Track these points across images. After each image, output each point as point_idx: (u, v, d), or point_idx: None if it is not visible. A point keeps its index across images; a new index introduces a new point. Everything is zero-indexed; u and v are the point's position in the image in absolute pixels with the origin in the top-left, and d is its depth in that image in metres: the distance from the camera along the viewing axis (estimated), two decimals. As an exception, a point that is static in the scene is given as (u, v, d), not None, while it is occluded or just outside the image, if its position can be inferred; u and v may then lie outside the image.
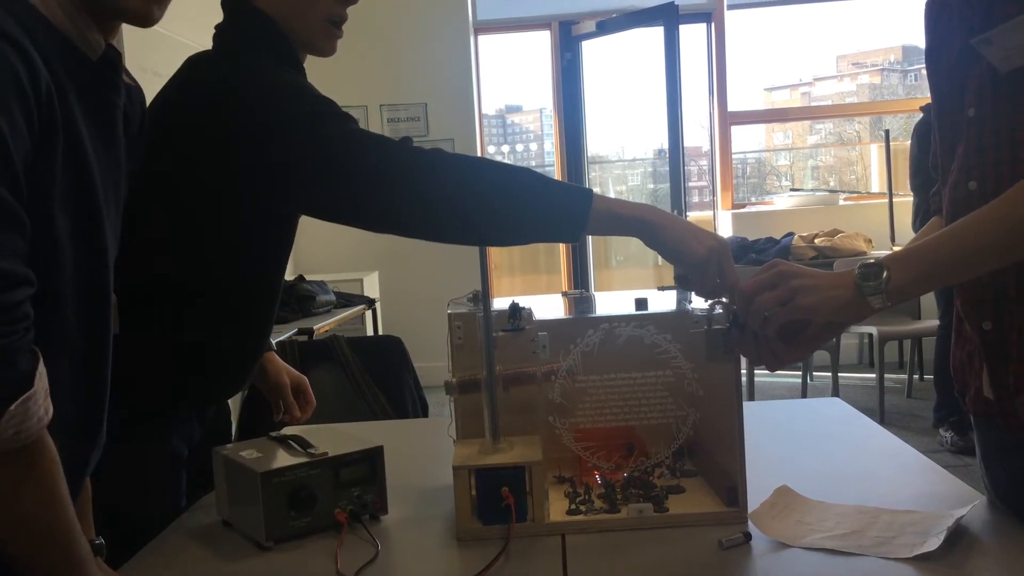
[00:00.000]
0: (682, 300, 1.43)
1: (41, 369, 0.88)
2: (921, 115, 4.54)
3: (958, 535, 1.17)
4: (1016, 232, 1.09)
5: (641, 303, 1.38)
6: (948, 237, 1.12)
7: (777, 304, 1.15)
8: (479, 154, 6.26)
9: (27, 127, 0.88)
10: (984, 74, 1.16)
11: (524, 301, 1.37)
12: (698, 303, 1.32)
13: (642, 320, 1.32)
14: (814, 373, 5.55)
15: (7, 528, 0.92)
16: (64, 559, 0.95)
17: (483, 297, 1.30)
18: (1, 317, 0.84)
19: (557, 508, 1.30)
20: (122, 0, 1.02)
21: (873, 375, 4.95)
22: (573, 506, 1.31)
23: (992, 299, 1.20)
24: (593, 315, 1.38)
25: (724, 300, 1.26)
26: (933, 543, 1.12)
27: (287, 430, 1.48)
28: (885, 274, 1.11)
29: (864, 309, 1.14)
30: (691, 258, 1.20)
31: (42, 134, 0.91)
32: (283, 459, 1.31)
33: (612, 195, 8.25)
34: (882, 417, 4.65)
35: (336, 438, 1.40)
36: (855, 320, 1.18)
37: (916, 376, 5.37)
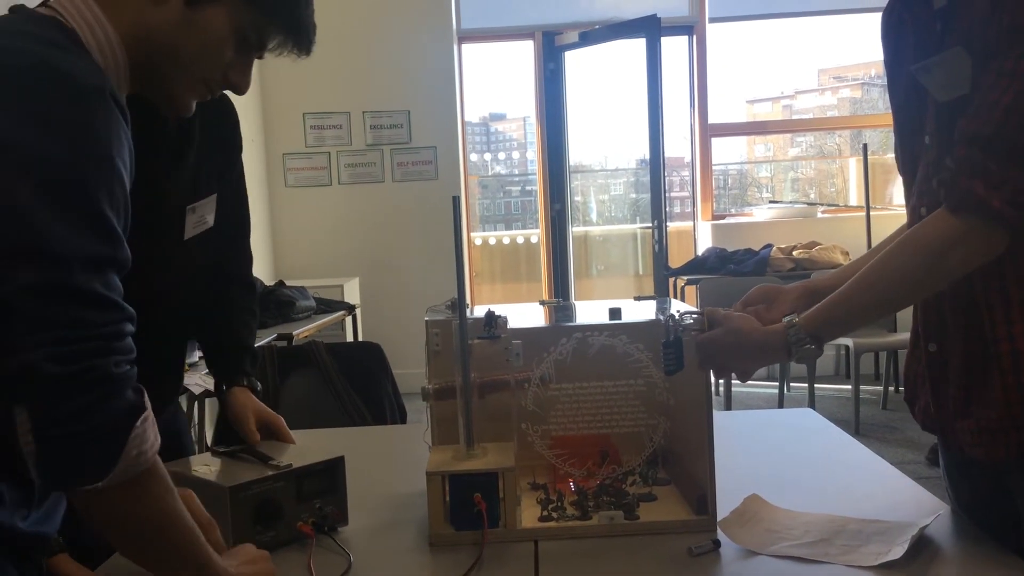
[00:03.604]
0: (656, 310, 1.44)
1: (147, 401, 0.93)
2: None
3: (922, 544, 1.19)
4: (902, 286, 1.17)
5: (615, 313, 1.39)
6: (854, 291, 1.19)
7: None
8: (460, 161, 6.27)
9: (127, 175, 0.96)
10: (935, 101, 1.18)
11: (502, 309, 1.38)
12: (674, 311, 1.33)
13: (615, 329, 1.34)
14: (791, 384, 5.58)
15: (139, 550, 1.01)
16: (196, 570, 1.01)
17: (459, 305, 1.32)
18: (120, 347, 0.90)
19: (530, 514, 1.32)
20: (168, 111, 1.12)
21: (849, 387, 4.98)
22: (545, 512, 1.32)
23: (936, 323, 1.23)
24: (566, 324, 1.39)
25: (696, 312, 1.28)
26: (897, 552, 1.15)
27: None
28: (813, 347, 1.19)
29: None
30: None
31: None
32: (247, 473, 1.30)
33: (594, 204, 8.28)
34: (857, 428, 4.68)
35: (287, 449, 1.39)
36: None
37: (891, 388, 5.41)
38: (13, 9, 1.03)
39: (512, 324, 1.36)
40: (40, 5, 1.03)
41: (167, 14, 1.03)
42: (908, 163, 1.26)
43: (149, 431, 0.92)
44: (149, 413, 0.92)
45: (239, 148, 1.64)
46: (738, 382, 5.51)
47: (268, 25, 1.10)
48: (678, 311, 1.30)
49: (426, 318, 1.41)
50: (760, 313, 1.29)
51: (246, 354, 1.69)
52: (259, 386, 1.68)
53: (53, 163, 0.88)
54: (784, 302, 1.32)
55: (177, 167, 1.45)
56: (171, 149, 1.43)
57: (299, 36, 1.13)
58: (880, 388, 5.39)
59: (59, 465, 0.88)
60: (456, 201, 1.36)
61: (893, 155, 1.34)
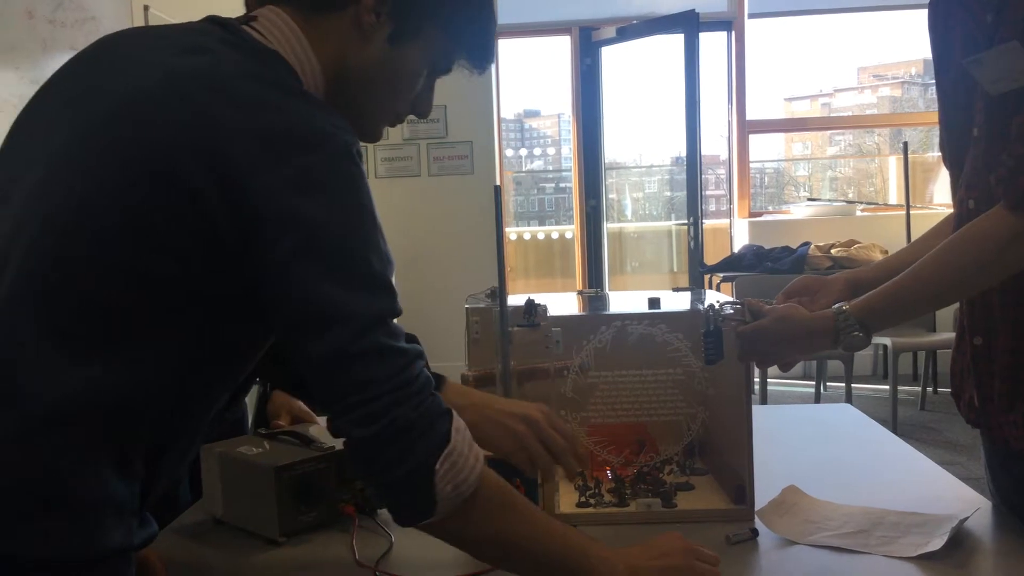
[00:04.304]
0: (696, 301, 1.45)
1: (458, 424, 0.95)
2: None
3: (961, 537, 1.18)
4: (956, 281, 1.16)
5: (654, 302, 1.40)
6: (907, 282, 1.18)
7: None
8: (496, 156, 6.28)
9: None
10: (985, 94, 1.17)
11: (540, 298, 1.39)
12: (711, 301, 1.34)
13: (654, 319, 1.35)
14: (827, 383, 5.53)
15: (503, 567, 1.03)
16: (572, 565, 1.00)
17: (499, 293, 1.33)
18: (413, 390, 0.92)
19: (567, 500, 1.33)
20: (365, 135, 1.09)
21: (887, 386, 4.93)
22: (583, 499, 1.33)
23: (982, 316, 1.22)
24: (606, 312, 1.40)
25: (736, 302, 1.29)
26: (937, 543, 1.14)
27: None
28: (861, 334, 1.17)
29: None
30: None
31: None
32: (292, 454, 1.32)
33: (629, 201, 8.26)
34: (894, 428, 4.63)
35: (325, 432, 1.41)
36: None
37: (930, 389, 5.35)
38: (220, 23, 0.98)
39: (551, 313, 1.37)
40: (244, 20, 1.00)
41: (370, 51, 1.02)
42: (955, 155, 1.26)
43: (460, 462, 0.93)
44: (454, 446, 0.93)
45: None
46: (773, 379, 5.48)
47: (459, 52, 1.10)
48: (717, 301, 1.31)
49: (466, 306, 1.43)
50: (803, 304, 1.29)
51: None
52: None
53: (325, 227, 0.88)
54: (827, 294, 1.32)
55: None
56: None
57: (484, 59, 1.13)
58: (919, 388, 5.33)
59: (398, 509, 0.96)
60: (497, 190, 1.38)
61: (934, 154, 1.34)
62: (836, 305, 1.20)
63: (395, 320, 0.93)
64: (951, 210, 1.33)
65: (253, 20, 1.00)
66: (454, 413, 0.95)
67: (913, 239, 5.57)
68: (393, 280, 0.94)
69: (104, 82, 0.93)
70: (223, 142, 0.86)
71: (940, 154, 1.33)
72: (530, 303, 1.36)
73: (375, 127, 1.10)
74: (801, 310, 1.24)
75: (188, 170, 0.86)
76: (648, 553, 1.05)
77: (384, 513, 1.35)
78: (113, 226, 0.87)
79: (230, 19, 1.00)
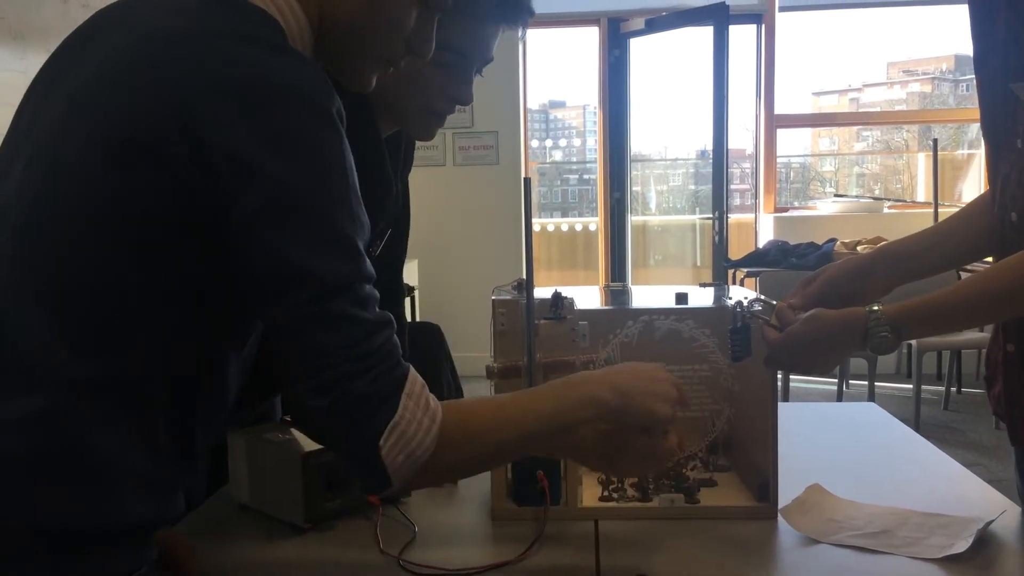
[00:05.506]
0: (722, 296, 1.44)
1: (411, 389, 0.92)
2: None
3: (987, 539, 1.18)
4: (1008, 304, 1.15)
5: (681, 297, 1.40)
6: (952, 296, 1.16)
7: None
8: (522, 147, 6.27)
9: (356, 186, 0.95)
10: None
11: (566, 291, 1.39)
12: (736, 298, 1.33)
13: (681, 314, 1.34)
14: (850, 381, 5.51)
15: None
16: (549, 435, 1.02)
17: (527, 285, 1.33)
18: (371, 362, 0.89)
19: (590, 494, 1.33)
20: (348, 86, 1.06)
21: (910, 386, 4.90)
22: (606, 493, 1.33)
23: (1016, 326, 1.21)
24: (633, 307, 1.40)
25: (762, 298, 1.28)
26: (962, 545, 1.14)
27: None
28: (890, 336, 1.15)
29: None
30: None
31: None
32: None
33: (654, 194, 8.23)
34: (917, 427, 4.61)
35: None
36: None
37: (954, 389, 5.31)
38: None
39: (577, 306, 1.37)
40: None
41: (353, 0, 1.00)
42: (995, 146, 1.24)
43: (410, 431, 0.91)
44: (401, 416, 0.90)
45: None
46: (796, 376, 5.45)
47: None
48: (745, 297, 1.30)
49: (492, 297, 1.43)
50: (846, 293, 1.29)
51: None
52: None
53: (288, 186, 0.85)
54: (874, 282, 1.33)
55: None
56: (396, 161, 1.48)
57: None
58: (942, 388, 5.29)
59: (359, 481, 0.95)
60: (527, 183, 1.38)
61: (964, 151, 1.33)
62: (868, 306, 1.18)
63: (368, 285, 0.90)
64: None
65: None
66: (411, 371, 0.92)
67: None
68: (362, 245, 0.91)
69: (86, 53, 0.93)
70: (192, 102, 0.84)
71: (970, 152, 1.32)
72: (557, 296, 1.36)
73: (365, 76, 1.06)
74: (829, 311, 1.23)
75: (160, 135, 0.84)
76: (636, 375, 1.07)
77: (407, 503, 1.36)
78: (97, 202, 0.86)
79: None
